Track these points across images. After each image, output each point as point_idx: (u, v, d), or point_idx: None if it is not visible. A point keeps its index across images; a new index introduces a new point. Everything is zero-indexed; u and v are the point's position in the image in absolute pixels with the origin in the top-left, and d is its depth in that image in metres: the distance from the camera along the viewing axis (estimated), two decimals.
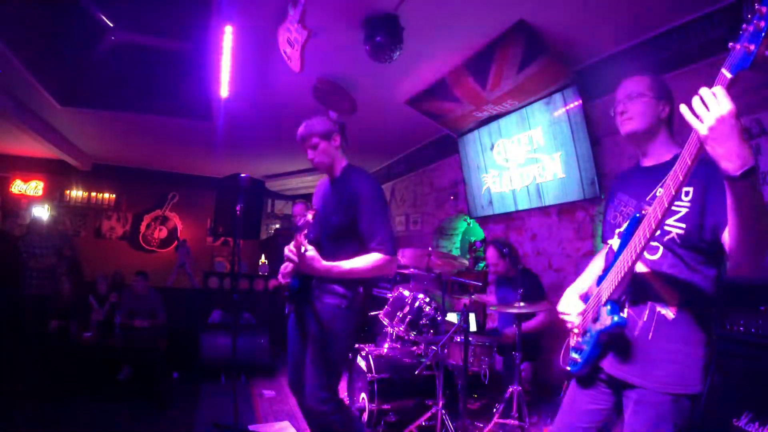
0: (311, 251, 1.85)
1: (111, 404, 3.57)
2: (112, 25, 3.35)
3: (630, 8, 2.71)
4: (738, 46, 0.93)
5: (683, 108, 0.98)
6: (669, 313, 1.26)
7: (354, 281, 2.00)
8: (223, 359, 4.40)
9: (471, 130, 4.52)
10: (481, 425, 2.96)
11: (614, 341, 1.31)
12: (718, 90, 0.93)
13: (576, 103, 3.39)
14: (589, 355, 1.35)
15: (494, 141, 4.26)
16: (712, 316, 1.29)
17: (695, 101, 0.96)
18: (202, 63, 3.65)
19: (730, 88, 0.95)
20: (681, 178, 1.04)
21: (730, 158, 0.94)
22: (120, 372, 4.21)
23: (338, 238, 2.00)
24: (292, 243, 1.85)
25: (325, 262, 1.89)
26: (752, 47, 0.90)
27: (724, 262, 1.29)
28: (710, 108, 0.93)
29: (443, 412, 2.75)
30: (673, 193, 1.06)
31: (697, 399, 1.25)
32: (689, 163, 1.02)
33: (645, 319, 1.28)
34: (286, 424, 3.22)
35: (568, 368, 1.45)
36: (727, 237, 1.14)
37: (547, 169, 3.71)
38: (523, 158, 3.94)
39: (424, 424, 2.86)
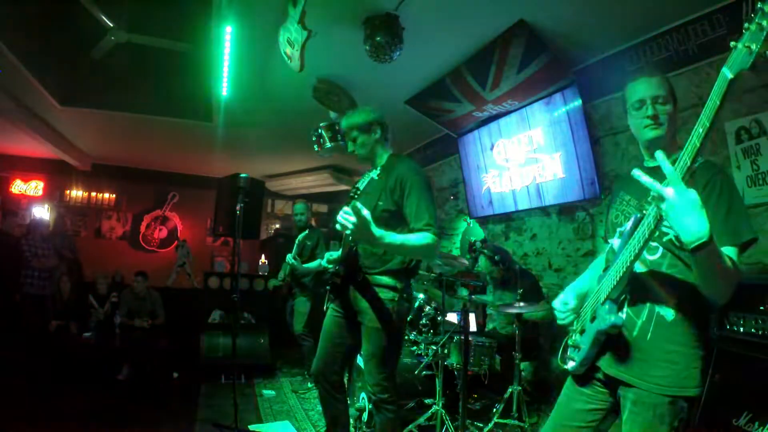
0: (368, 214, 1.68)
1: (111, 404, 3.57)
2: (112, 25, 3.35)
3: (630, 8, 2.71)
4: (739, 45, 0.93)
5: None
6: (668, 313, 1.26)
7: (401, 273, 2.01)
8: (223, 359, 4.41)
9: (471, 130, 4.52)
10: (481, 425, 2.96)
11: (612, 341, 1.30)
12: (669, 171, 1.01)
13: (576, 103, 3.39)
14: (586, 354, 1.35)
15: (494, 141, 4.26)
16: (709, 318, 1.31)
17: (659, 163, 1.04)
18: (202, 63, 3.65)
19: (731, 88, 0.95)
20: (658, 215, 1.10)
21: (686, 232, 1.00)
22: (120, 372, 4.21)
23: (384, 223, 1.95)
24: (346, 207, 1.69)
25: (379, 229, 1.75)
26: (754, 46, 0.90)
27: None
28: (662, 194, 1.00)
29: (443, 412, 2.75)
30: (656, 217, 1.12)
31: (694, 401, 1.25)
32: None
33: (644, 319, 1.28)
34: (286, 424, 3.23)
35: (565, 366, 1.45)
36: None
37: (547, 169, 3.71)
38: (523, 158, 3.94)
39: (424, 424, 2.86)
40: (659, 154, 1.06)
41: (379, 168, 2.15)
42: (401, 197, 1.97)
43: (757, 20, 0.90)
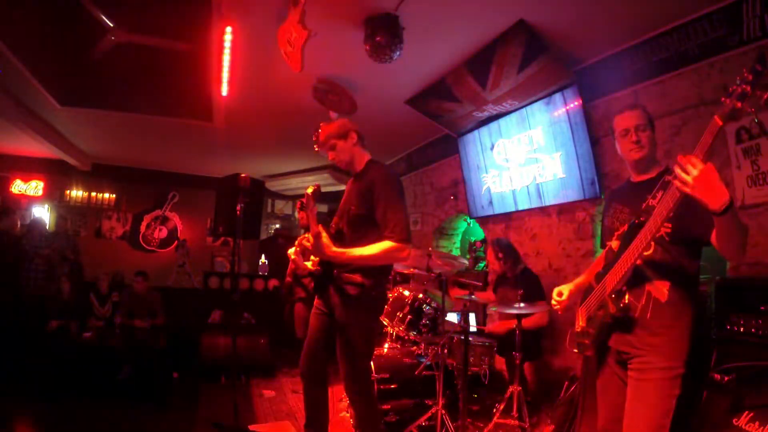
0: (324, 237, 1.98)
1: (111, 404, 3.57)
2: (112, 25, 3.34)
3: (630, 8, 2.71)
4: (728, 101, 1.22)
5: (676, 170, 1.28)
6: (661, 296, 1.55)
7: (373, 271, 2.09)
8: (223, 359, 4.41)
9: (471, 130, 4.52)
10: (481, 425, 2.96)
11: (618, 323, 1.59)
12: (693, 159, 1.25)
13: (576, 103, 3.39)
14: (596, 338, 1.64)
15: (494, 141, 4.26)
16: (696, 298, 1.60)
17: (677, 167, 1.28)
18: (202, 63, 3.65)
19: (721, 132, 1.24)
20: (665, 215, 1.38)
21: (712, 200, 1.24)
22: (120, 372, 4.21)
23: (358, 227, 2.11)
24: (307, 233, 1.99)
25: (335, 248, 2.00)
26: (738, 104, 1.20)
27: (701, 255, 1.61)
28: (689, 171, 1.24)
29: (443, 412, 2.75)
30: (665, 214, 1.40)
31: (687, 364, 1.51)
32: (671, 204, 1.36)
33: (643, 302, 1.57)
34: (286, 424, 3.23)
35: (576, 350, 1.74)
36: (715, 241, 1.44)
37: (547, 169, 3.71)
38: (523, 158, 3.94)
39: (424, 424, 2.86)
40: (679, 157, 1.29)
41: (357, 175, 2.25)
42: (372, 203, 2.06)
43: (742, 85, 1.20)
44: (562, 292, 1.83)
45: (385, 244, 1.98)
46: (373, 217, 2.07)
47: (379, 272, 2.12)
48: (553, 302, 1.85)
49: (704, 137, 1.27)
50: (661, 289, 1.55)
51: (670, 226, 1.53)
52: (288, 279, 4.26)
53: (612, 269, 1.60)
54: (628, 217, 1.68)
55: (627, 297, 1.57)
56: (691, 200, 1.31)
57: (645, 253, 1.54)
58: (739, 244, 1.39)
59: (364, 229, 2.09)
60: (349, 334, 2.06)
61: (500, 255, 3.52)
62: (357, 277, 2.06)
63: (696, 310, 1.58)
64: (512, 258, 3.53)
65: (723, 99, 1.23)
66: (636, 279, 1.57)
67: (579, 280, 1.89)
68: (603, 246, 1.86)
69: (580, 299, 1.82)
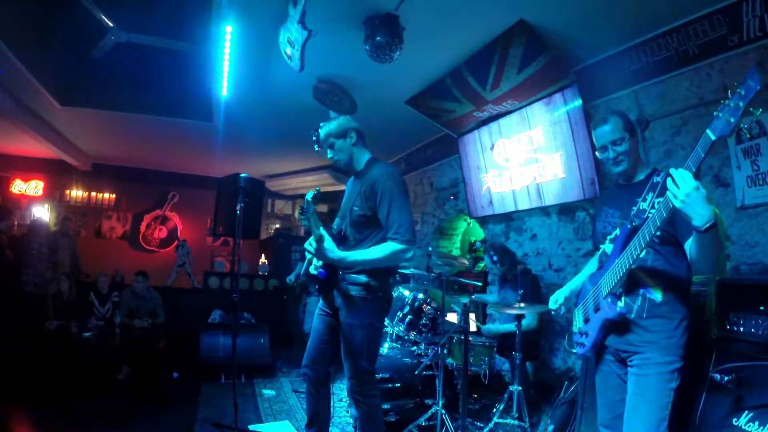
0: (328, 242, 1.97)
1: (111, 404, 3.57)
2: (112, 25, 3.34)
3: (630, 8, 2.71)
4: (720, 116, 1.24)
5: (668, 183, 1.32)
6: (656, 297, 1.58)
7: (378, 272, 2.07)
8: (223, 359, 4.41)
9: (471, 130, 4.52)
10: (481, 425, 2.96)
11: (615, 324, 1.63)
12: (685, 173, 1.28)
13: (576, 103, 3.39)
14: (594, 339, 1.67)
15: (494, 141, 4.26)
16: (689, 297, 1.63)
17: (670, 180, 1.31)
18: (202, 63, 3.65)
19: (713, 146, 1.26)
20: (658, 224, 1.43)
21: (697, 218, 1.28)
22: (120, 372, 4.21)
23: (361, 227, 2.10)
24: (312, 237, 1.97)
25: (338, 252, 1.98)
26: (732, 119, 1.21)
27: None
28: (680, 186, 1.28)
29: (443, 412, 2.75)
30: (659, 223, 1.43)
31: (684, 358, 1.57)
32: (665, 215, 1.40)
33: (638, 304, 1.61)
34: (286, 424, 3.23)
35: (574, 351, 1.78)
36: (688, 248, 1.50)
37: (547, 169, 3.71)
38: (523, 158, 3.94)
39: (424, 424, 2.86)
40: (672, 171, 1.33)
41: (357, 174, 2.22)
42: (375, 203, 2.04)
43: (734, 100, 1.20)
44: (557, 300, 1.91)
45: (389, 246, 1.97)
46: (377, 218, 2.04)
47: (384, 273, 2.10)
48: (552, 309, 1.94)
49: (696, 151, 1.29)
50: (655, 290, 1.59)
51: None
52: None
53: (607, 272, 1.64)
54: (620, 220, 1.72)
55: (623, 299, 1.61)
56: (677, 210, 1.35)
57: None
58: (713, 261, 1.45)
59: (367, 230, 2.08)
60: (354, 336, 2.04)
61: (495, 259, 3.52)
62: (362, 279, 2.05)
63: (690, 307, 1.61)
64: (508, 260, 3.53)
65: (715, 114, 1.25)
66: (631, 281, 1.61)
67: (573, 284, 1.94)
68: (596, 249, 1.88)
69: (576, 301, 1.86)
